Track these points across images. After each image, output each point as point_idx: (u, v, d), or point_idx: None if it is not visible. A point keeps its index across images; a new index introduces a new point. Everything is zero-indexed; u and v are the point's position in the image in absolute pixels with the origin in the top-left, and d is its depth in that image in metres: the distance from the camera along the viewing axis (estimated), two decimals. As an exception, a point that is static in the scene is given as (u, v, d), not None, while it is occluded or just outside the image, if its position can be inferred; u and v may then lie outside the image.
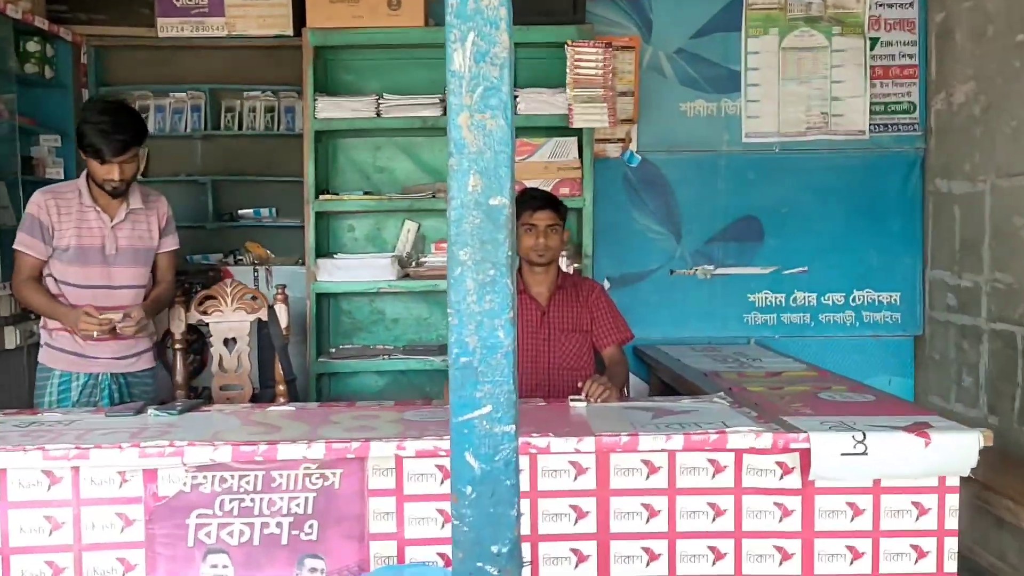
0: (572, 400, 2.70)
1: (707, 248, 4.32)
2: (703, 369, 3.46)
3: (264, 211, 4.37)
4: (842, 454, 2.30)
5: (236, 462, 2.23)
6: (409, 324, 4.26)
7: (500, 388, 1.77)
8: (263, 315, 3.35)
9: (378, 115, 3.87)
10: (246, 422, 2.51)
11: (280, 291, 3.36)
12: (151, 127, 4.21)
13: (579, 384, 2.80)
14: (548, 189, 3.86)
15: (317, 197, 3.88)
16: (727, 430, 2.33)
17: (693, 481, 2.37)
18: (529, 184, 3.57)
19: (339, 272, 3.88)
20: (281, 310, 3.35)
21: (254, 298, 3.36)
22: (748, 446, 2.32)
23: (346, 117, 3.86)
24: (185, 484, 2.24)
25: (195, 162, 4.47)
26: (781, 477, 2.37)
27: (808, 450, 2.30)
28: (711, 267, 4.31)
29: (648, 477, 2.36)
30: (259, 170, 4.46)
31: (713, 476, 2.37)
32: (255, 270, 4.20)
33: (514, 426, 1.76)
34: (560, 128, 3.89)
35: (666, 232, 4.30)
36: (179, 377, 3.28)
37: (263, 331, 3.40)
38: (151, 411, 2.55)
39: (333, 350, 4.12)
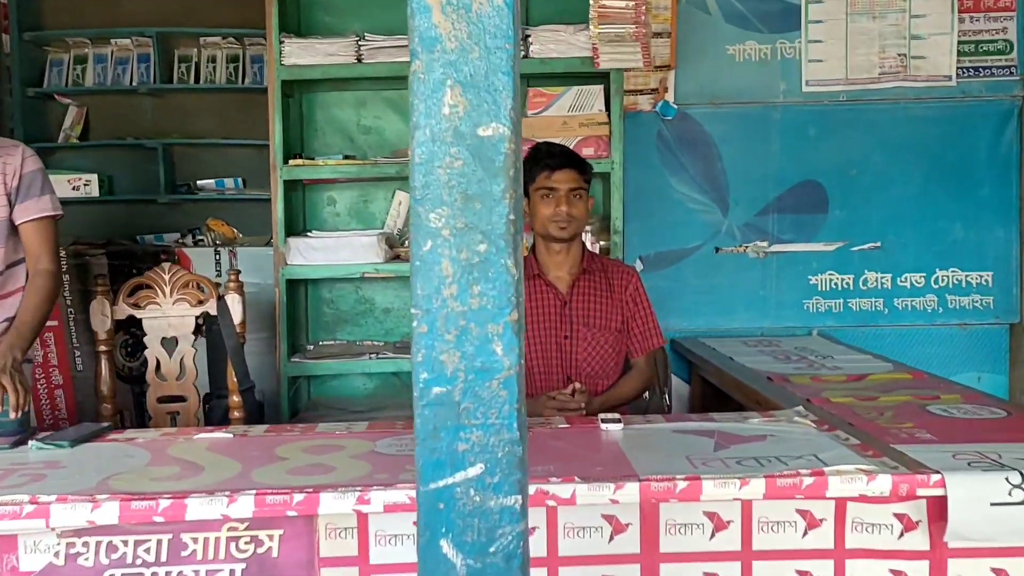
0: (603, 421, 2.05)
1: (759, 221, 3.63)
2: (764, 370, 2.79)
3: (228, 182, 3.73)
4: (992, 504, 1.64)
5: (128, 523, 1.59)
6: (403, 315, 3.62)
7: (498, 436, 1.13)
8: (212, 308, 2.71)
9: (359, 60, 3.21)
10: (159, 457, 1.87)
11: (232, 277, 2.72)
12: (89, 80, 3.57)
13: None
14: (568, 149, 3.19)
15: (286, 163, 3.23)
16: (825, 469, 1.67)
17: (777, 541, 1.72)
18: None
19: (314, 254, 3.23)
20: (233, 301, 2.71)
21: (200, 287, 2.72)
22: (857, 493, 1.66)
23: (320, 64, 3.20)
24: (57, 554, 1.60)
25: (143, 123, 3.81)
26: (901, 535, 1.72)
27: (942, 498, 1.64)
28: (764, 244, 3.63)
29: (713, 536, 1.72)
30: (221, 132, 3.80)
31: (805, 534, 1.72)
32: (216, 252, 3.55)
33: (520, 497, 1.11)
34: (582, 75, 3.23)
35: (710, 202, 3.62)
36: (104, 388, 2.64)
37: (213, 328, 2.76)
38: (32, 444, 1.92)
39: (311, 347, 3.49)
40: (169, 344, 2.70)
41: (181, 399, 2.70)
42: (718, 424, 2.06)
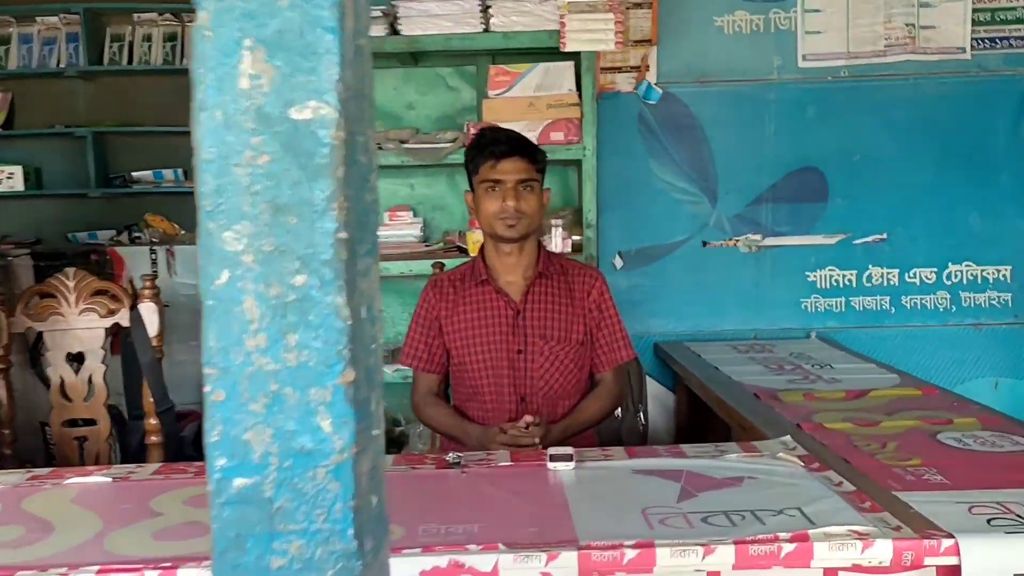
0: (552, 459, 1.73)
1: (752, 211, 3.30)
2: (751, 384, 2.47)
3: (167, 173, 3.41)
4: (1018, 576, 1.34)
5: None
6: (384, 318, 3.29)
7: (327, 547, 0.80)
8: (124, 319, 2.40)
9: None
10: (8, 513, 1.56)
11: (148, 284, 2.40)
12: (13, 62, 3.25)
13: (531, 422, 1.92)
14: (535, 134, 2.87)
15: (221, 151, 2.90)
16: (811, 532, 1.36)
17: (751, 620, 1.40)
18: (505, 127, 2.56)
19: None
20: (148, 311, 2.39)
21: (111, 295, 2.41)
22: (850, 563, 1.35)
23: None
24: None
25: (73, 109, 3.49)
26: (905, 612, 1.40)
27: (955, 568, 1.33)
28: (757, 237, 3.30)
29: (673, 614, 1.39)
30: (159, 119, 3.47)
31: (786, 610, 1.40)
32: (152, 251, 3.24)
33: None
34: (551, 50, 2.89)
35: (697, 191, 3.29)
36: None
37: (129, 341, 2.45)
38: None
39: (256, 355, 3.17)
40: (74, 361, 2.39)
41: (92, 422, 2.39)
42: (688, 462, 1.75)
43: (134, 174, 3.41)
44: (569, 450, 1.77)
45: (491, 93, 2.92)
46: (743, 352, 3.01)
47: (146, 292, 2.40)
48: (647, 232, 3.29)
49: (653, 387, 3.25)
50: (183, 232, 3.42)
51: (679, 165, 3.27)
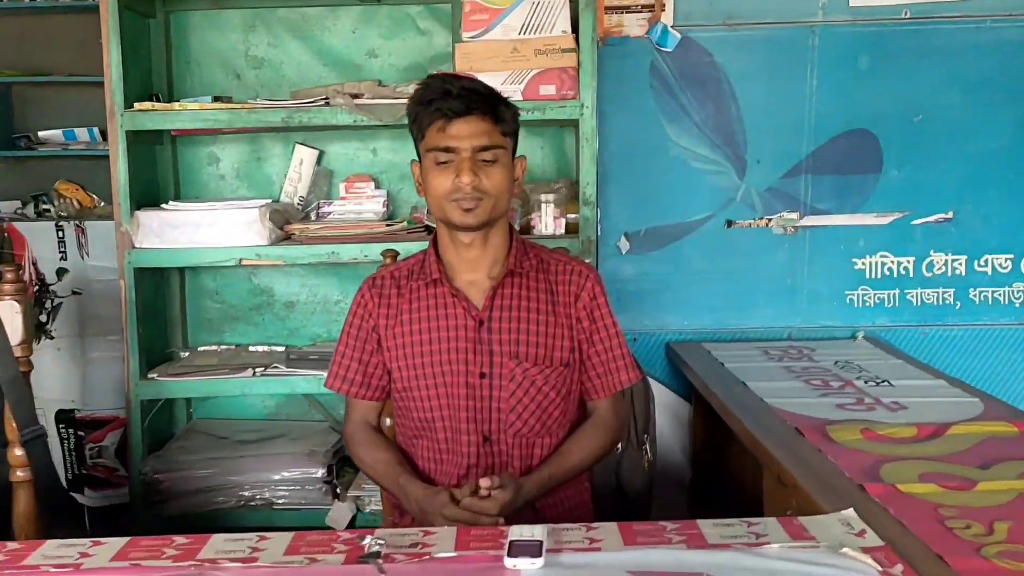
0: (512, 549, 1.20)
1: (788, 185, 2.73)
2: (790, 411, 1.92)
3: (81, 132, 2.86)
4: None
5: None
6: (311, 311, 2.77)
7: None
8: (-23, 321, 1.87)
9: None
10: None
11: (8, 275, 1.87)
12: None
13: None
14: (520, 87, 2.32)
15: (130, 107, 2.36)
16: None
17: None
18: (481, 77, 1.99)
19: (172, 233, 2.38)
20: (9, 311, 1.86)
21: (-42, 290, 1.88)
22: None
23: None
24: None
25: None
26: None
27: None
28: (794, 215, 2.74)
29: None
30: (71, 67, 2.90)
31: None
32: (59, 228, 2.71)
33: None
34: (540, -19, 2.32)
35: (721, 160, 2.72)
36: None
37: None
38: None
39: (185, 355, 2.65)
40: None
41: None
42: (710, 557, 1.20)
43: (41, 134, 2.87)
44: (538, 536, 1.23)
45: (465, 35, 2.36)
46: (775, 359, 2.47)
47: (5, 287, 1.87)
48: (660, 209, 2.73)
49: (664, 395, 2.72)
50: (101, 204, 2.88)
51: (699, 127, 2.70)
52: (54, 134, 2.85)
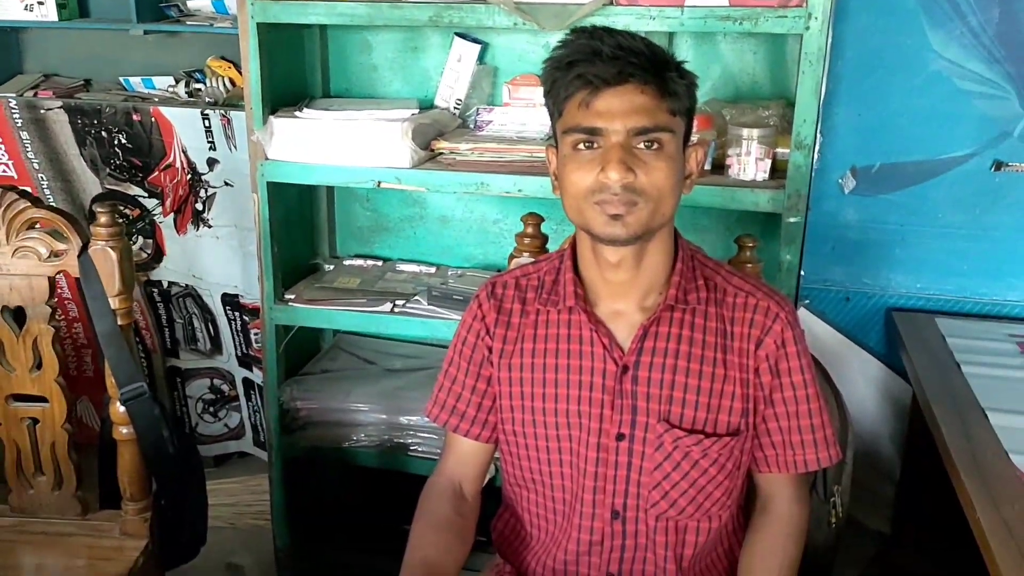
0: None
1: (1092, 116, 2.03)
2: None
3: (231, 3, 2.55)
4: None
5: None
6: (467, 228, 2.44)
7: None
8: (72, 268, 1.68)
9: None
10: None
11: (105, 216, 1.65)
12: None
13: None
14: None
15: (260, -6, 2.03)
16: None
17: None
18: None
19: (307, 146, 2.08)
20: (104, 258, 1.66)
21: (53, 232, 1.69)
22: None
23: None
24: None
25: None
26: None
27: None
28: (1095, 159, 2.05)
29: None
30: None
31: None
32: (204, 116, 2.47)
33: None
34: None
35: (1000, 80, 2.05)
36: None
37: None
38: None
39: (330, 268, 2.43)
40: (11, 319, 1.72)
41: (39, 403, 1.75)
42: None
43: (190, 3, 2.60)
44: None
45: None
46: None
47: (99, 230, 1.65)
48: (904, 140, 2.12)
49: (877, 371, 2.23)
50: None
51: (976, 35, 2.02)
52: (203, 4, 2.57)
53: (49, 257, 1.68)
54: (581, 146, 1.13)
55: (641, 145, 1.12)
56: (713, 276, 1.26)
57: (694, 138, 1.23)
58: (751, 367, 1.22)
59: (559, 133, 1.18)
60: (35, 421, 1.76)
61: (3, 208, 1.65)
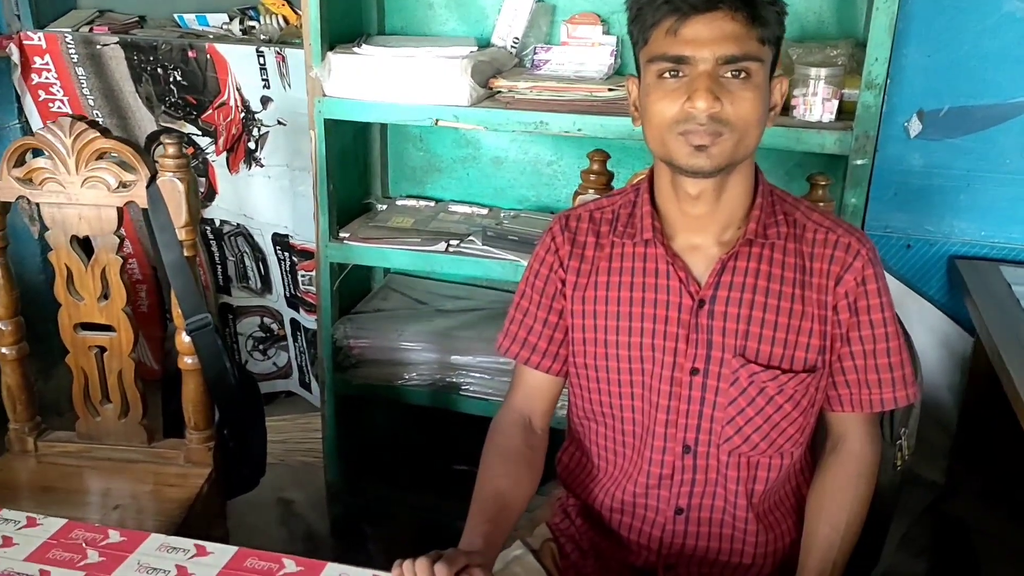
0: None
1: None
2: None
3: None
4: None
5: None
6: (521, 170, 2.43)
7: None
8: (141, 197, 1.69)
9: None
10: None
11: (171, 148, 1.66)
12: None
13: None
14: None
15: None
16: None
17: None
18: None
19: (365, 83, 2.07)
20: (171, 189, 1.67)
21: (121, 163, 1.69)
22: None
23: None
24: None
25: None
26: None
27: None
28: None
29: None
30: None
31: None
32: (259, 54, 2.46)
33: None
34: None
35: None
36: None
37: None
38: None
39: (383, 208, 2.43)
40: (78, 248, 1.75)
41: (107, 331, 1.78)
42: None
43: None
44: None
45: None
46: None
47: (167, 161, 1.66)
48: (975, 83, 2.08)
49: (939, 322, 2.20)
50: (306, 25, 2.59)
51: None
52: (265, -69, 2.56)
53: (118, 188, 1.69)
54: (667, 75, 1.12)
55: (728, 74, 1.10)
56: (793, 211, 1.24)
57: (778, 74, 1.21)
58: (829, 304, 1.21)
59: (643, 62, 1.16)
60: (102, 350, 1.80)
61: (73, 138, 1.66)
